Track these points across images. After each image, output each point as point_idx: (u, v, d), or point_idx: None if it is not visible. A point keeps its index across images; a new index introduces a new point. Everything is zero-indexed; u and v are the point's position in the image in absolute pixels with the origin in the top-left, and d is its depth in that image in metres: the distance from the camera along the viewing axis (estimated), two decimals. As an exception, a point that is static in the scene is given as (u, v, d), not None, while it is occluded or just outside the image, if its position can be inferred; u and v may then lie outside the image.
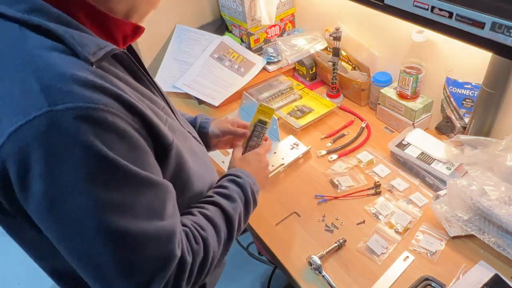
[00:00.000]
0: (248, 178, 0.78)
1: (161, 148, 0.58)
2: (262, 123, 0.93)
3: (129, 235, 0.50)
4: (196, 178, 0.68)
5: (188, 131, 0.75)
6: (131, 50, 0.68)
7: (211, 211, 0.69)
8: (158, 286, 0.54)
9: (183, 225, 0.63)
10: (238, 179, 0.77)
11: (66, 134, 0.45)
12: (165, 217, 0.55)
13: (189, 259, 0.58)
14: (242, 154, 0.90)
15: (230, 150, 1.15)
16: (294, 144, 1.15)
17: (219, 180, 0.78)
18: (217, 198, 0.71)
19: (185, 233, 0.61)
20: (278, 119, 1.17)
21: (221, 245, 0.67)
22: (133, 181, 0.50)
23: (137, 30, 0.61)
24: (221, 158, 1.13)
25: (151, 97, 0.61)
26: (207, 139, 0.96)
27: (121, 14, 0.57)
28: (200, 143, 0.81)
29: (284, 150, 1.13)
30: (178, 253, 0.56)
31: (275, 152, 1.13)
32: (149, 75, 0.67)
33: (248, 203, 0.75)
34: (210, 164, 0.81)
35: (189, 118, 0.98)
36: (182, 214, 0.67)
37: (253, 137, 0.93)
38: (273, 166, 1.09)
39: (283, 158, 1.10)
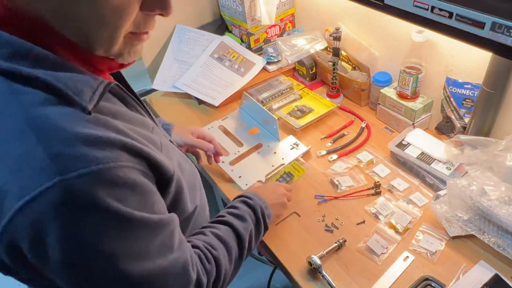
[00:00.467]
0: (260, 201, 0.80)
1: (164, 180, 0.57)
2: (290, 175, 1.05)
3: (150, 278, 0.51)
4: (188, 194, 0.67)
5: (170, 140, 0.73)
6: (116, 73, 0.65)
7: (222, 230, 0.70)
8: None
9: (195, 246, 0.64)
10: (249, 201, 0.79)
11: (81, 201, 0.44)
12: (175, 248, 0.56)
13: (204, 280, 0.60)
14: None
15: (230, 149, 1.15)
16: (294, 144, 1.15)
17: (233, 200, 0.81)
18: (228, 218, 0.73)
19: (198, 255, 0.62)
20: (278, 119, 1.17)
21: (233, 263, 0.68)
22: (148, 228, 0.51)
23: (123, 64, 0.58)
24: (222, 158, 1.13)
25: (142, 122, 0.59)
26: None
27: (79, 42, 0.50)
28: (175, 145, 0.78)
29: (284, 150, 1.13)
30: (194, 277, 0.58)
31: (275, 152, 1.13)
32: (136, 96, 0.64)
33: (259, 224, 0.77)
34: (196, 175, 0.78)
35: None
36: (194, 234, 0.69)
37: (277, 180, 1.03)
38: (273, 166, 1.09)
39: (283, 158, 1.10)
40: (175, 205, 0.62)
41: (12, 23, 0.46)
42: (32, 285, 0.58)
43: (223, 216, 0.74)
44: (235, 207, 0.77)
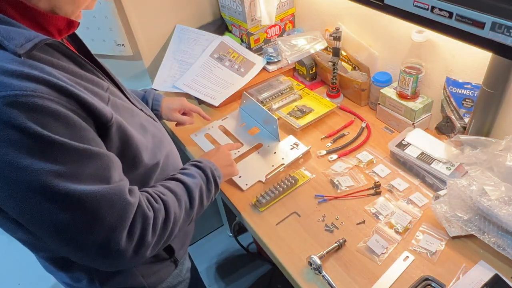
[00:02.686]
0: (209, 163, 0.86)
1: (101, 124, 0.62)
2: (294, 178, 1.04)
3: (78, 197, 0.56)
4: (146, 151, 0.73)
5: (141, 109, 0.81)
6: (75, 38, 0.76)
7: (172, 184, 0.76)
8: (121, 234, 0.60)
9: (144, 191, 0.71)
10: (199, 163, 0.85)
11: None
12: (112, 182, 0.61)
13: (150, 214, 0.65)
14: None
15: (244, 141, 1.15)
16: (294, 144, 1.15)
17: (183, 166, 0.87)
18: (178, 176, 0.79)
19: (145, 196, 0.69)
20: (278, 119, 1.17)
21: (183, 211, 0.73)
22: (72, 153, 0.56)
23: (71, 24, 0.65)
24: None
25: (92, 80, 0.66)
26: (159, 117, 1.09)
27: (44, 9, 0.59)
28: (153, 119, 0.86)
29: (284, 150, 1.13)
30: (132, 200, 0.62)
31: (275, 152, 1.13)
32: (92, 60, 0.74)
33: (209, 182, 0.82)
34: (163, 138, 0.85)
35: (138, 93, 1.08)
36: (144, 190, 0.74)
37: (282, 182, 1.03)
38: (273, 166, 1.09)
39: (283, 158, 1.10)
40: (124, 154, 0.68)
41: None
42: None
43: (173, 175, 0.80)
44: (185, 169, 0.84)
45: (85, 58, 0.68)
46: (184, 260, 0.94)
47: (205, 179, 0.82)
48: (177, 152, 0.91)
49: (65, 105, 0.56)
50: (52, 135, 0.53)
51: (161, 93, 1.15)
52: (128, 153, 0.69)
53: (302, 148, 1.13)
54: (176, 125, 1.16)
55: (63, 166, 0.55)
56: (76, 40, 0.76)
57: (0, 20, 0.55)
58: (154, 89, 1.26)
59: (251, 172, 1.07)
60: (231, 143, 1.06)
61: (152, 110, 1.06)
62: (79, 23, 0.67)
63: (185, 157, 1.06)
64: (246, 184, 1.05)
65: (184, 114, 1.15)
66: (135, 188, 0.67)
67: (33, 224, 0.58)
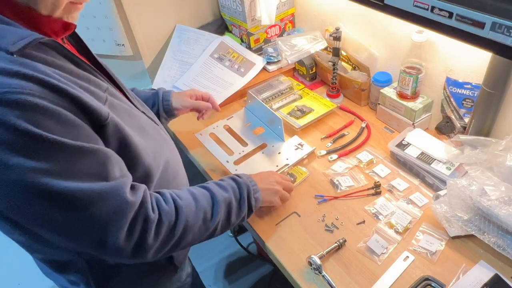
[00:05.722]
0: (249, 182, 0.80)
1: (96, 123, 0.61)
2: (292, 176, 1.03)
3: (71, 194, 0.55)
4: (145, 153, 0.71)
5: (143, 111, 0.80)
6: (77, 38, 0.75)
7: (198, 190, 0.74)
8: (118, 232, 0.60)
9: (159, 193, 0.70)
10: (238, 178, 0.80)
11: None
12: (110, 179, 0.60)
13: (152, 215, 0.64)
14: None
15: (234, 149, 1.15)
16: (298, 144, 1.15)
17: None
18: (210, 184, 0.76)
19: (154, 196, 0.68)
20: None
21: (199, 221, 0.70)
22: (64, 150, 0.55)
23: (67, 27, 0.64)
24: (226, 158, 1.13)
25: (89, 79, 0.65)
26: (172, 111, 1.06)
27: (45, 9, 0.59)
28: (155, 122, 0.84)
29: (289, 151, 1.13)
30: (131, 199, 0.61)
31: (279, 152, 1.13)
32: (93, 60, 0.73)
33: (243, 201, 0.78)
34: (164, 142, 0.83)
35: (147, 93, 1.06)
36: (160, 191, 0.72)
37: None
38: (277, 166, 1.09)
39: (287, 159, 1.10)
40: (122, 154, 0.66)
41: None
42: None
43: (206, 183, 0.78)
44: (221, 180, 0.80)
45: (86, 58, 0.67)
46: (184, 265, 0.93)
47: (238, 196, 0.77)
48: (179, 157, 0.89)
49: (57, 102, 0.55)
50: (43, 133, 0.53)
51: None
52: (126, 154, 0.68)
53: (307, 149, 1.13)
54: (198, 118, 1.12)
55: (54, 163, 0.54)
56: (77, 41, 0.76)
57: None
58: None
59: (255, 172, 1.07)
60: (285, 176, 0.99)
61: (163, 101, 1.04)
62: (75, 25, 0.66)
63: (187, 161, 1.07)
64: None
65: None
66: (142, 186, 0.66)
67: (28, 222, 0.58)
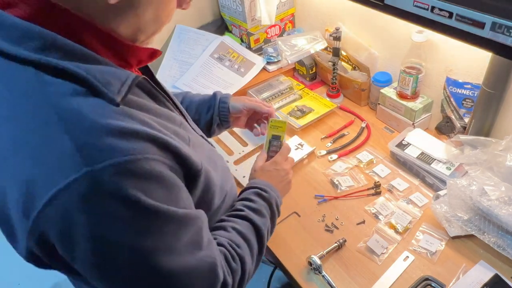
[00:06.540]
0: (273, 192, 0.78)
1: (190, 175, 0.57)
2: (277, 138, 0.91)
3: (178, 274, 0.51)
4: (217, 190, 0.66)
5: (201, 135, 0.72)
6: (145, 67, 0.66)
7: (243, 226, 0.69)
8: None
9: (220, 244, 0.64)
10: (265, 194, 0.77)
11: (108, 193, 0.44)
12: (203, 246, 0.56)
13: (230, 281, 0.60)
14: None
15: (234, 149, 1.15)
16: (298, 144, 1.15)
17: (244, 191, 0.78)
18: (247, 212, 0.72)
19: (224, 254, 0.62)
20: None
21: (254, 260, 0.68)
22: (174, 222, 0.51)
23: (154, 54, 0.58)
24: (226, 158, 1.13)
25: (169, 117, 0.58)
26: (227, 115, 0.93)
27: (127, 36, 0.53)
28: (205, 139, 0.75)
29: None
30: (221, 276, 0.58)
31: None
32: (165, 92, 0.64)
33: (274, 217, 0.77)
34: (225, 164, 0.78)
35: (204, 97, 0.96)
36: (215, 228, 0.68)
37: (270, 152, 0.90)
38: None
39: None
40: (202, 202, 0.62)
41: (45, 16, 0.46)
42: (69, 277, 0.59)
43: (241, 210, 0.72)
44: (250, 200, 0.75)
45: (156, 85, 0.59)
46: None
47: (270, 214, 0.75)
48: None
49: (165, 162, 0.50)
50: (157, 204, 0.47)
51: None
52: (204, 200, 0.62)
53: (307, 149, 1.13)
54: (256, 134, 0.98)
55: (166, 238, 0.50)
56: (145, 68, 0.66)
57: (89, 58, 0.48)
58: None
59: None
60: (293, 159, 0.92)
61: (220, 103, 0.92)
62: (161, 52, 0.60)
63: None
64: None
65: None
66: (218, 252, 0.61)
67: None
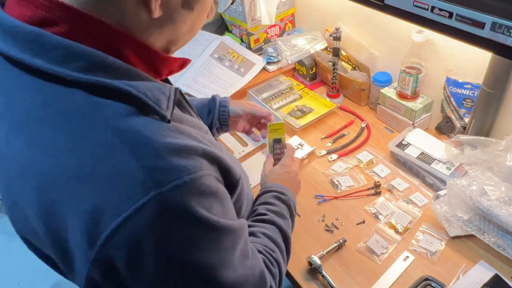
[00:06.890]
0: (290, 195, 0.79)
1: (232, 185, 0.57)
2: (278, 140, 0.93)
3: (234, 285, 0.51)
4: (246, 195, 0.67)
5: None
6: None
7: (271, 230, 0.70)
8: None
9: (258, 251, 0.64)
10: (283, 197, 0.77)
11: (176, 213, 0.43)
12: (250, 255, 0.56)
13: (274, 285, 0.61)
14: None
15: (234, 149, 1.15)
16: (299, 144, 1.15)
17: (262, 195, 0.79)
18: (271, 216, 0.72)
19: (263, 260, 0.63)
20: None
21: (285, 262, 0.70)
22: (231, 235, 0.51)
23: (184, 64, 0.57)
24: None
25: (200, 126, 0.56)
26: (227, 119, 0.93)
27: (161, 47, 0.52)
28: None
29: None
30: (269, 282, 0.59)
31: None
32: (185, 99, 0.63)
33: (293, 218, 0.78)
34: (244, 170, 0.76)
35: (203, 100, 0.95)
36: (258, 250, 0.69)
37: (275, 155, 0.92)
38: None
39: None
40: (235, 206, 0.62)
41: (85, 33, 0.44)
42: None
43: (265, 215, 0.72)
44: (271, 204, 0.76)
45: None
46: None
47: (290, 215, 0.76)
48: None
49: (215, 175, 0.49)
50: (217, 220, 0.47)
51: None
52: (236, 208, 0.60)
53: (307, 149, 1.13)
54: (256, 139, 1.00)
55: (224, 252, 0.50)
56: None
57: (131, 74, 0.46)
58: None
59: (255, 172, 1.06)
60: (299, 159, 0.93)
61: (219, 107, 0.92)
62: (190, 60, 0.58)
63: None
64: (250, 184, 1.04)
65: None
66: (258, 255, 0.61)
67: None
